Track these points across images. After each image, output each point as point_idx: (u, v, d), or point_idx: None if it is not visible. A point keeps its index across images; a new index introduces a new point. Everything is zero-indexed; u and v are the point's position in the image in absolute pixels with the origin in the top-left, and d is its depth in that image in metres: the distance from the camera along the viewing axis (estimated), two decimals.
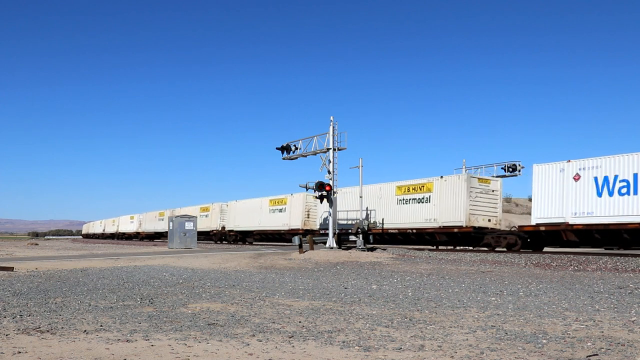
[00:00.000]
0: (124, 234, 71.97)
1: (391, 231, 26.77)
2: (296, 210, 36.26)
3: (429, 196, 25.21)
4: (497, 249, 22.25)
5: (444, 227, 24.27)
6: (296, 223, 35.79)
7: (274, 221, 37.91)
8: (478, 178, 24.64)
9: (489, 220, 24.23)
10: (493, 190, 24.79)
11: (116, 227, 76.73)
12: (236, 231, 42.22)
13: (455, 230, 23.80)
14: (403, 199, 26.69)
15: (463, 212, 23.53)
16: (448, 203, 24.20)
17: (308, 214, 34.99)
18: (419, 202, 25.77)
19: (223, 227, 44.45)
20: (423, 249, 24.86)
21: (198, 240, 48.59)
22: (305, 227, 34.43)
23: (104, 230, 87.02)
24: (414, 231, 25.66)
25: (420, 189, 25.83)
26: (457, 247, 25.04)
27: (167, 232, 54.06)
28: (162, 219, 55.18)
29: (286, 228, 36.49)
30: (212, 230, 45.88)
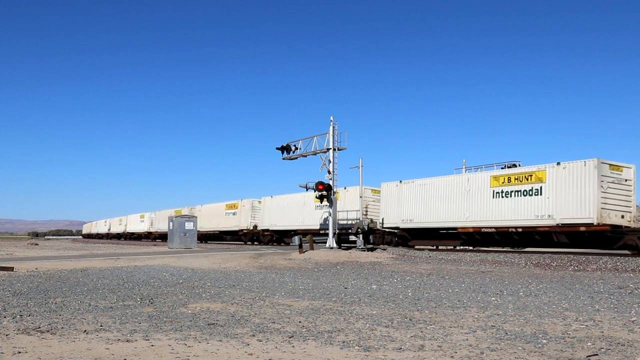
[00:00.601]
0: (132, 233, 68.39)
1: (485, 230, 22.61)
2: (353, 206, 31.09)
3: (540, 187, 20.65)
4: None
5: (564, 226, 19.79)
6: (353, 219, 30.81)
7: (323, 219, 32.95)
8: (609, 164, 19.72)
9: (622, 217, 19.54)
10: (626, 180, 19.99)
11: (124, 226, 73.28)
12: (272, 230, 38.83)
13: (582, 229, 19.38)
14: (502, 192, 21.99)
15: (592, 207, 18.78)
16: (569, 195, 19.69)
17: (367, 210, 30.45)
18: (525, 195, 21.18)
19: (255, 226, 41.19)
20: (423, 249, 24.84)
21: (223, 241, 47.13)
22: (373, 224, 29.81)
23: (109, 229, 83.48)
24: (519, 230, 21.41)
25: (527, 179, 21.23)
26: (458, 247, 24.98)
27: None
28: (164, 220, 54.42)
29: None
30: (242, 230, 42.48)
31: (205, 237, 49.34)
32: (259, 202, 41.30)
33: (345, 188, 31.74)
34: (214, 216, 47.57)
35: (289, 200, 37.55)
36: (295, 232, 34.53)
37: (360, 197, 25.84)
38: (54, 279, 11.75)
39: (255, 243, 41.26)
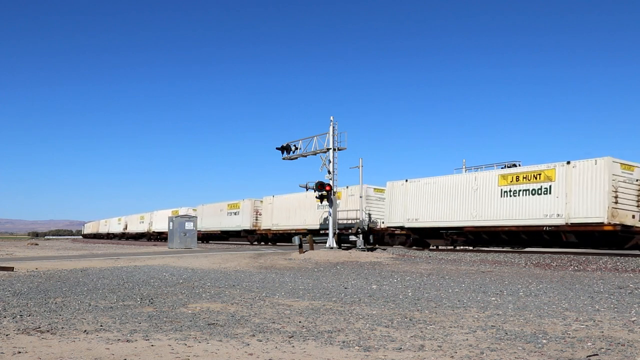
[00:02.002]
0: (160, 233, 67.24)
1: (491, 230, 22.41)
2: (355, 205, 29.88)
3: (549, 186, 20.31)
4: None
5: (574, 225, 19.51)
6: (353, 219, 29.72)
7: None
8: (621, 163, 19.37)
9: (633, 217, 19.31)
10: (637, 180, 19.75)
11: (147, 224, 71.48)
12: (274, 230, 38.54)
13: (592, 229, 19.16)
14: (510, 191, 21.62)
15: (603, 206, 18.48)
16: (579, 194, 19.40)
17: (370, 210, 29.99)
18: (533, 194, 20.83)
19: (258, 227, 40.79)
20: (423, 249, 24.85)
21: (223, 241, 46.61)
22: (373, 225, 28.71)
23: (109, 230, 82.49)
24: (527, 229, 21.19)
25: (536, 178, 20.88)
26: (458, 248, 24.98)
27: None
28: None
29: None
30: (244, 230, 41.94)
31: (207, 237, 48.88)
32: (261, 201, 40.83)
33: (347, 187, 31.47)
34: (215, 216, 47.01)
35: (291, 199, 36.85)
36: (297, 232, 33.40)
37: (360, 197, 25.82)
38: (54, 279, 11.75)
39: (255, 243, 40.92)
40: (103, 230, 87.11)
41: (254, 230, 41.19)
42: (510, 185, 21.80)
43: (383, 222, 28.96)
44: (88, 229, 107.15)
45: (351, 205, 29.77)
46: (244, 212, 42.34)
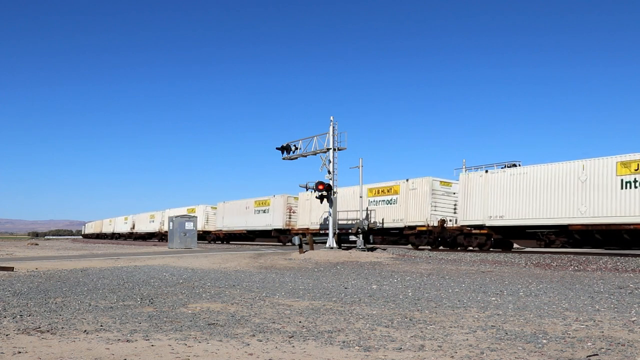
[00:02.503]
0: (134, 233, 64.91)
1: (608, 228, 18.89)
2: (418, 200, 27.03)
3: None
4: None
5: None
6: (417, 217, 26.59)
7: (379, 217, 28.46)
8: None
9: None
10: None
11: (158, 224, 65.12)
12: (314, 230, 34.59)
13: None
14: (635, 181, 18.26)
15: None
16: None
17: (435, 206, 26.50)
18: None
19: (292, 226, 37.48)
20: (423, 249, 24.82)
21: (249, 241, 44.05)
22: (433, 223, 25.86)
23: (114, 230, 78.48)
24: None
25: None
26: (458, 248, 24.96)
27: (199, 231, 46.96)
28: (188, 219, 50.96)
29: (402, 224, 27.53)
30: (275, 229, 38.98)
31: (229, 238, 46.01)
32: (295, 198, 37.30)
33: (407, 180, 28.78)
34: (239, 214, 43.48)
35: (343, 194, 30.81)
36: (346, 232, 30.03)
37: (360, 197, 25.76)
38: (54, 279, 11.74)
39: (289, 244, 36.59)
40: (107, 229, 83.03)
41: (288, 230, 37.52)
42: (636, 174, 18.36)
43: (451, 221, 25.49)
44: (89, 228, 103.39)
45: (414, 199, 27.41)
46: (274, 209, 39.06)
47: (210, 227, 49.72)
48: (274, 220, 39.08)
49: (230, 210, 44.97)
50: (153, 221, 61.52)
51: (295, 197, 38.04)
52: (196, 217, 37.01)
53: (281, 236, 38.63)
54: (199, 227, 48.72)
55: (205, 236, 49.37)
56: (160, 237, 57.14)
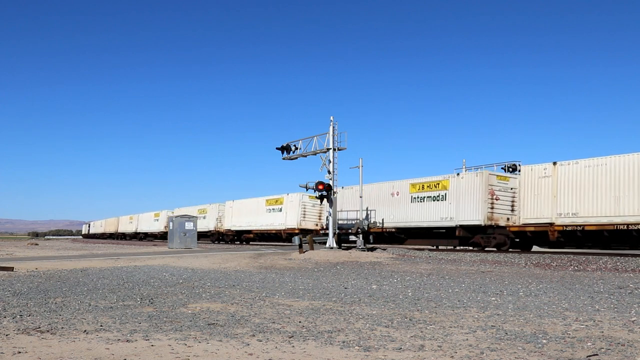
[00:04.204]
0: (145, 234, 61.41)
1: None
2: (471, 196, 24.19)
3: None
4: None
5: None
6: (469, 215, 23.91)
7: (423, 215, 25.98)
8: None
9: None
10: None
11: (135, 226, 65.14)
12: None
13: None
14: None
15: None
16: None
17: (492, 204, 23.34)
18: None
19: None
20: (423, 249, 24.81)
21: (263, 242, 42.09)
22: (491, 222, 22.96)
23: (117, 229, 73.94)
24: None
25: None
26: (458, 247, 24.95)
27: (211, 231, 45.79)
28: (203, 217, 46.79)
29: (446, 224, 24.75)
30: (288, 229, 37.24)
31: (239, 238, 44.32)
32: (310, 196, 32.49)
33: (456, 174, 26.96)
34: (249, 214, 41.59)
35: (376, 189, 28.83)
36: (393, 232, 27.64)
37: (360, 197, 25.75)
38: (54, 279, 11.74)
39: (222, 242, 39.09)
40: (126, 228, 71.92)
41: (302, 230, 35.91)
42: None
43: (508, 218, 23.77)
44: (95, 227, 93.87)
45: (376, 203, 27.36)
46: (287, 208, 37.45)
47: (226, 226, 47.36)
48: (287, 220, 37.22)
49: (240, 211, 43.18)
50: (157, 220, 58.37)
51: (311, 196, 34.44)
52: (196, 217, 36.94)
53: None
54: (212, 227, 46.89)
55: (222, 237, 46.68)
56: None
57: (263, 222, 40.18)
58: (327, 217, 24.73)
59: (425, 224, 25.79)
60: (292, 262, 18.55)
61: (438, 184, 25.72)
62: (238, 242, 43.66)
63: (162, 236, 55.23)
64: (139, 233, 65.85)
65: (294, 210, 36.67)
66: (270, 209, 39.13)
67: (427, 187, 26.10)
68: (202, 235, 46.24)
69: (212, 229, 46.52)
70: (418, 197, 26.31)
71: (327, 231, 24.19)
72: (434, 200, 25.64)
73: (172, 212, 52.93)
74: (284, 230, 38.04)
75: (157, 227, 59.06)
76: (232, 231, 43.59)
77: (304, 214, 35.94)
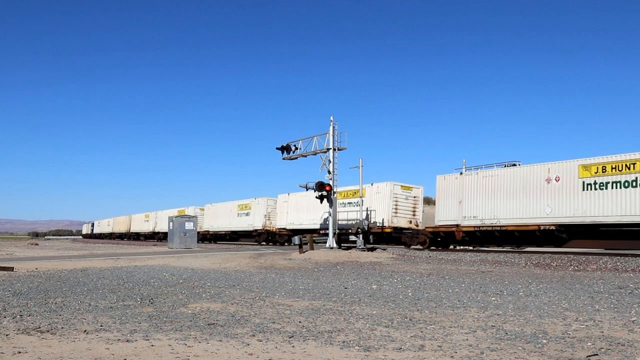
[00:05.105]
0: (166, 234, 52.47)
1: None
2: (380, 204, 27.50)
3: None
4: None
5: None
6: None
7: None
8: None
9: None
10: None
11: (152, 224, 59.10)
12: (289, 230, 35.26)
13: None
14: None
15: None
16: None
17: (396, 210, 26.61)
18: None
19: (267, 227, 36.54)
20: (423, 249, 24.79)
21: (234, 241, 41.88)
22: (548, 221, 20.49)
23: (129, 228, 67.40)
24: None
25: None
26: (457, 247, 24.94)
27: (257, 230, 40.17)
28: (245, 214, 42.35)
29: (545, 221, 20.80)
30: (256, 230, 38.15)
31: (215, 238, 45.67)
32: (403, 186, 30.60)
33: (372, 184, 29.18)
34: (224, 216, 43.41)
35: (307, 198, 30.98)
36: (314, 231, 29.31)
37: (361, 197, 25.78)
38: (54, 279, 11.74)
39: (270, 244, 37.20)
40: (141, 227, 64.63)
41: (266, 231, 38.31)
42: None
43: (410, 221, 27.30)
44: (101, 227, 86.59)
45: (378, 203, 28.29)
46: (255, 212, 38.84)
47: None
48: (255, 222, 38.77)
49: (216, 213, 44.90)
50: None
51: (403, 186, 31.15)
52: (196, 217, 36.91)
53: (258, 237, 39.18)
54: (258, 225, 41.93)
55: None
56: (203, 237, 49.15)
57: (236, 224, 39.66)
58: (326, 217, 24.73)
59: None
60: (292, 262, 18.55)
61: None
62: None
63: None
64: (158, 233, 57.60)
65: (384, 203, 29.24)
66: (347, 203, 31.40)
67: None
68: (245, 236, 42.17)
69: (260, 228, 40.14)
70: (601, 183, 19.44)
71: (326, 231, 24.18)
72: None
73: (202, 209, 49.54)
74: (253, 230, 37.94)
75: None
76: (288, 230, 38.08)
77: (396, 208, 29.31)
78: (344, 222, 28.49)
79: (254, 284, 10.94)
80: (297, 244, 23.61)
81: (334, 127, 23.40)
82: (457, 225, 23.43)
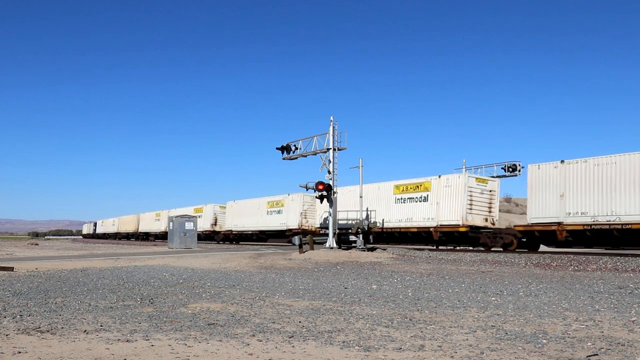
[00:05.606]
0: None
1: None
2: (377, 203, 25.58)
3: None
4: None
5: None
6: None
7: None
8: None
9: None
10: None
11: (164, 224, 53.38)
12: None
13: None
14: None
15: None
16: None
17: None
18: None
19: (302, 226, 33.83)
20: (423, 249, 24.79)
21: (264, 242, 39.23)
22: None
23: (137, 228, 63.04)
24: None
25: None
26: (457, 247, 24.92)
27: (286, 230, 36.85)
28: (276, 212, 38.47)
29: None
30: (290, 230, 35.09)
31: (239, 238, 42.52)
32: (477, 179, 27.35)
33: (439, 177, 25.95)
34: (251, 214, 40.14)
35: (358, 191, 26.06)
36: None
37: (360, 197, 25.76)
38: (54, 279, 11.74)
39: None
40: (152, 227, 60.11)
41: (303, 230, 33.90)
42: None
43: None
44: (105, 226, 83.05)
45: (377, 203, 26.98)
46: (289, 209, 34.77)
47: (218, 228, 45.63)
48: (288, 220, 35.39)
49: (240, 211, 41.56)
50: (202, 216, 48.80)
51: (478, 179, 27.42)
52: (196, 217, 36.91)
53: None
54: (294, 225, 39.41)
55: (213, 236, 45.97)
56: (221, 238, 46.45)
57: (398, 216, 30.03)
58: (326, 217, 24.72)
59: None
60: (292, 262, 18.55)
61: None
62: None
63: (208, 236, 47.74)
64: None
65: (457, 197, 25.79)
66: (407, 198, 27.96)
67: None
68: (275, 236, 38.44)
69: (295, 228, 36.69)
70: None
71: (326, 231, 24.18)
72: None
73: (223, 207, 46.31)
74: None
75: (200, 224, 46.51)
76: (233, 232, 41.88)
77: (471, 204, 25.79)
78: (405, 222, 25.68)
79: (254, 284, 10.94)
80: (297, 244, 23.61)
81: (334, 127, 23.41)
82: (559, 224, 19.84)
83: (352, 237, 24.09)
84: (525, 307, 7.54)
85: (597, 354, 4.68)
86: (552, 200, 20.11)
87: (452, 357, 4.63)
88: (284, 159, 25.67)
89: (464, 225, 23.95)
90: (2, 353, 4.70)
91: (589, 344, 5.11)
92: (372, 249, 23.77)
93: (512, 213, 54.87)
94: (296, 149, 25.34)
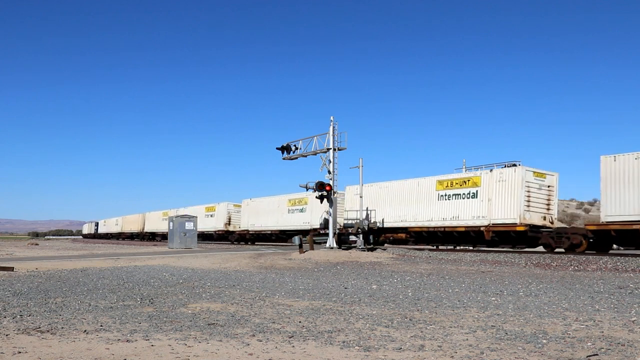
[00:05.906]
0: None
1: None
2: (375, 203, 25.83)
3: None
4: None
5: None
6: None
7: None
8: None
9: None
10: None
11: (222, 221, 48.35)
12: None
13: None
14: None
15: None
16: None
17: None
18: None
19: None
20: (423, 249, 24.79)
21: (284, 242, 37.15)
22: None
23: (142, 228, 60.20)
24: None
25: None
26: (457, 247, 24.90)
27: (311, 230, 33.09)
28: (299, 210, 36.25)
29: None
30: (314, 229, 32.18)
31: (256, 238, 40.53)
32: (535, 173, 24.99)
33: (490, 171, 24.34)
34: (269, 213, 38.34)
35: (401, 187, 25.74)
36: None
37: (360, 197, 25.75)
38: (54, 279, 11.74)
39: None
40: (159, 227, 56.15)
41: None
42: None
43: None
44: (108, 226, 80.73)
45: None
46: (312, 208, 32.54)
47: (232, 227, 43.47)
48: (312, 219, 33.08)
49: (259, 210, 39.65)
50: (212, 215, 46.73)
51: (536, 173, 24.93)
52: (196, 217, 36.84)
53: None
54: (221, 227, 39.71)
55: (227, 237, 43.57)
56: (236, 239, 44.07)
57: (442, 214, 25.48)
58: (326, 217, 24.72)
59: None
60: (292, 262, 18.55)
61: None
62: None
63: (221, 237, 45.12)
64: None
65: (513, 193, 22.84)
66: (453, 195, 24.72)
67: None
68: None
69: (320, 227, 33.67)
70: None
71: (326, 231, 24.18)
72: None
73: (238, 205, 44.21)
74: (311, 229, 31.67)
75: (213, 224, 45.34)
76: (250, 232, 39.31)
77: (528, 201, 22.87)
78: (451, 221, 23.37)
79: (254, 284, 10.94)
80: (297, 244, 23.63)
81: (334, 127, 23.41)
82: None
83: (352, 237, 24.09)
84: (525, 307, 7.54)
85: (597, 354, 4.68)
86: (633, 196, 17.33)
87: (452, 357, 4.63)
88: (284, 159, 25.68)
89: (522, 224, 21.43)
90: (2, 353, 4.71)
91: (589, 344, 5.11)
92: (372, 249, 23.78)
93: None
94: (296, 149, 25.36)
